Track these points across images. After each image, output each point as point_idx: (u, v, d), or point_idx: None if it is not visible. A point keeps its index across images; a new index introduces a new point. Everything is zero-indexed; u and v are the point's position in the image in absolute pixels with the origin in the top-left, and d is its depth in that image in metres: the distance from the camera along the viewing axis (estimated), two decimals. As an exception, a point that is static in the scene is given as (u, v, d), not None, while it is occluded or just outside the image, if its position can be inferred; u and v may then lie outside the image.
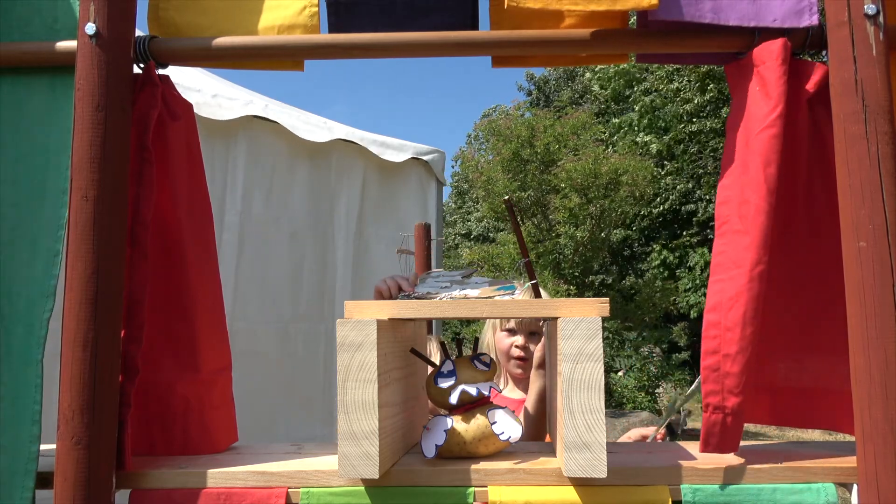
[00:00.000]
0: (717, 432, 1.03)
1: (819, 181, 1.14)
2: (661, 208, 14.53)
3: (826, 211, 1.12)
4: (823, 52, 1.09)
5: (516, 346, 1.84)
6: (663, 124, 14.09)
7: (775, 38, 1.09)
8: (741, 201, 1.06)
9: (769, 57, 1.07)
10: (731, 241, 1.06)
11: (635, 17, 1.23)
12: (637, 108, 14.18)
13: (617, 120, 14.75)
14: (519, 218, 11.03)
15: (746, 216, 1.05)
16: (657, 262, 14.53)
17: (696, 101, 13.62)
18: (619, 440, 1.73)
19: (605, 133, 13.53)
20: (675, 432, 8.77)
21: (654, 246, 14.95)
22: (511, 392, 1.90)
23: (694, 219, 14.57)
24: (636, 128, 14.31)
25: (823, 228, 1.13)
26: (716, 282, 1.06)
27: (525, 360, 1.84)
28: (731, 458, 1.05)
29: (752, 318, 1.02)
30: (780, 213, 1.12)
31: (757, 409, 1.16)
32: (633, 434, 1.78)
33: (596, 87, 16.15)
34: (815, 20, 1.10)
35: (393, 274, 1.71)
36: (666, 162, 14.38)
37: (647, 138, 13.96)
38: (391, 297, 1.67)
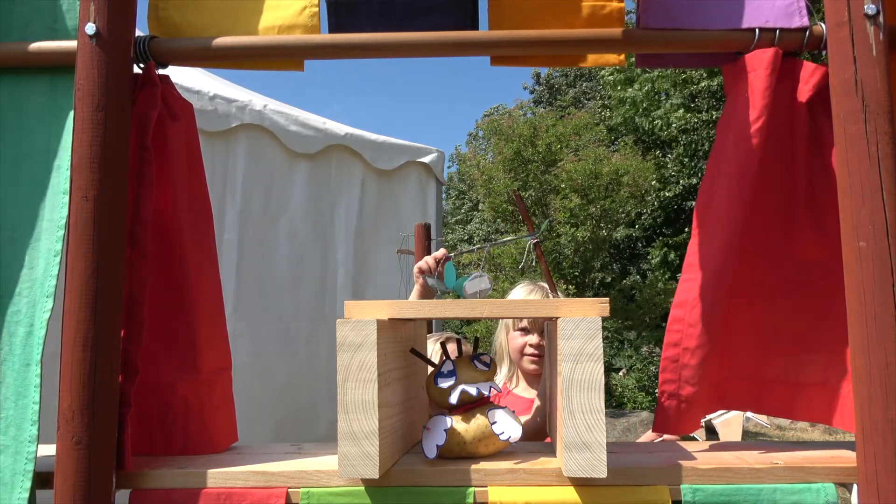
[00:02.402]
0: (671, 416, 1.11)
1: (819, 181, 1.14)
2: (664, 201, 14.45)
3: (826, 210, 1.12)
4: (823, 53, 1.09)
5: (530, 345, 1.88)
6: (663, 112, 13.98)
7: (771, 37, 1.10)
8: (717, 207, 1.11)
9: (759, 65, 1.10)
10: (703, 243, 1.12)
11: (635, 18, 1.23)
12: (638, 86, 14.04)
13: (622, 93, 14.60)
14: (520, 218, 11.04)
15: (718, 222, 1.10)
16: (657, 258, 14.47)
17: (701, 84, 13.53)
18: (639, 440, 1.75)
19: (605, 131, 13.45)
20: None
21: (656, 243, 14.89)
22: (524, 391, 1.92)
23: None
24: (640, 108, 14.17)
25: (823, 227, 1.13)
26: (685, 280, 1.13)
27: (539, 357, 1.88)
28: (732, 459, 1.05)
29: (712, 319, 1.09)
30: (778, 212, 1.13)
31: (755, 400, 1.18)
32: (650, 433, 1.84)
33: (608, 77, 16.11)
34: (805, 21, 1.12)
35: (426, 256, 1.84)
36: (669, 154, 14.31)
37: (648, 124, 13.84)
38: (430, 272, 1.78)
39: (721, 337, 1.12)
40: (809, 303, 1.14)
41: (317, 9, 1.20)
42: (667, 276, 13.75)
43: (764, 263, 1.15)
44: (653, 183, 10.88)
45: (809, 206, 1.15)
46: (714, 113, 13.68)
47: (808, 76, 1.13)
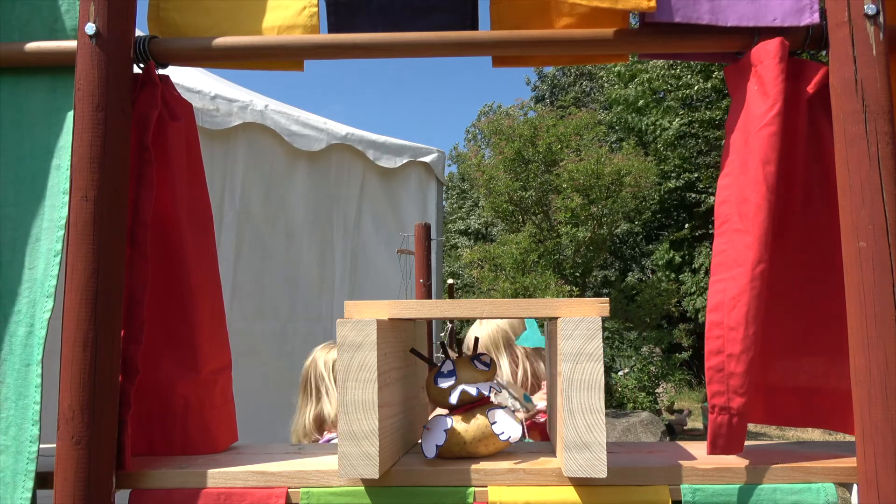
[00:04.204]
0: (724, 433, 1.02)
1: (817, 181, 1.14)
2: (664, 196, 14.43)
3: (824, 210, 1.12)
4: (823, 52, 1.09)
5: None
6: (661, 111, 13.99)
7: (774, 37, 1.09)
8: (741, 200, 1.06)
9: (767, 56, 1.07)
10: (732, 239, 1.06)
11: (638, 16, 1.23)
12: (636, 87, 14.06)
13: (615, 93, 14.61)
14: (521, 217, 11.04)
15: (746, 215, 1.05)
16: (662, 262, 14.44)
17: (696, 88, 13.55)
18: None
19: (605, 129, 13.46)
20: (675, 432, 8.77)
21: (660, 244, 14.86)
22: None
23: (695, 210, 14.47)
24: (634, 106, 14.20)
25: (821, 228, 1.13)
26: (717, 281, 1.06)
27: None
28: (731, 458, 1.05)
29: (755, 317, 1.01)
30: (777, 212, 1.12)
31: (754, 408, 1.16)
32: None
33: (606, 76, 16.14)
34: (815, 18, 1.09)
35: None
36: (669, 152, 14.32)
37: (647, 121, 13.86)
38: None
39: (767, 337, 1.06)
40: (808, 304, 1.14)
41: (316, 9, 1.20)
42: (671, 277, 13.73)
43: (776, 261, 1.12)
44: (653, 178, 10.86)
45: (805, 207, 1.14)
46: (709, 113, 13.68)
47: (810, 74, 1.12)
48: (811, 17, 1.09)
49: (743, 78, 1.11)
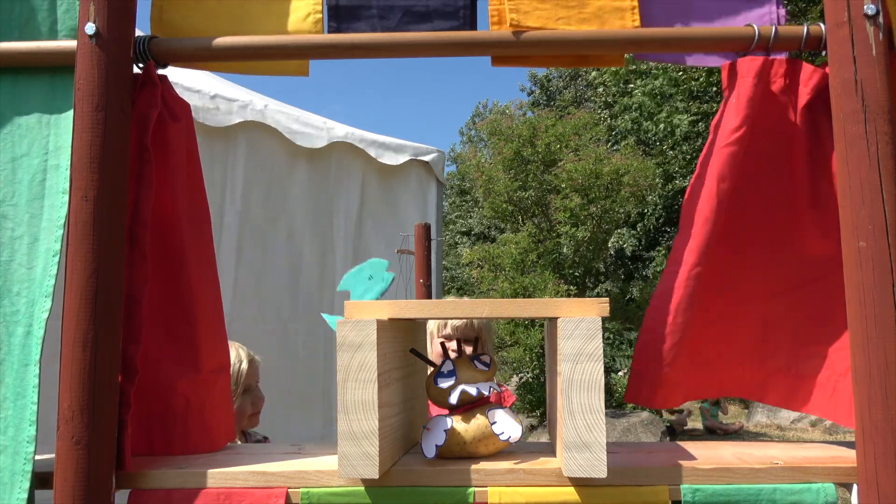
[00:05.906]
0: (636, 388, 1.18)
1: (822, 181, 1.15)
2: (667, 199, 14.40)
3: (830, 209, 1.13)
4: (823, 53, 1.09)
5: (453, 351, 1.97)
6: (666, 115, 14.00)
7: (769, 33, 1.11)
8: (697, 208, 1.16)
9: (748, 72, 1.13)
10: (682, 239, 1.17)
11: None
12: (641, 90, 14.08)
13: (627, 99, 14.63)
14: (520, 218, 11.03)
15: (696, 223, 1.16)
16: (662, 266, 14.44)
17: (701, 81, 13.53)
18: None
19: (606, 131, 13.43)
20: (675, 432, 8.77)
21: (659, 250, 14.85)
22: None
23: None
24: (644, 112, 14.22)
25: (827, 225, 1.14)
26: (667, 272, 1.19)
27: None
28: (731, 458, 1.05)
29: (684, 310, 1.15)
30: (779, 212, 1.14)
31: (758, 388, 1.21)
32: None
33: (600, 78, 16.16)
34: (783, 24, 1.16)
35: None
36: (670, 152, 14.31)
37: (652, 123, 13.86)
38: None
39: (696, 328, 1.17)
40: (815, 297, 1.16)
41: (321, 15, 1.20)
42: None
43: (766, 259, 1.18)
44: (656, 180, 10.86)
45: (813, 205, 1.16)
46: (715, 105, 13.66)
47: (808, 78, 1.13)
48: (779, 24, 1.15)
49: (731, 83, 1.16)
